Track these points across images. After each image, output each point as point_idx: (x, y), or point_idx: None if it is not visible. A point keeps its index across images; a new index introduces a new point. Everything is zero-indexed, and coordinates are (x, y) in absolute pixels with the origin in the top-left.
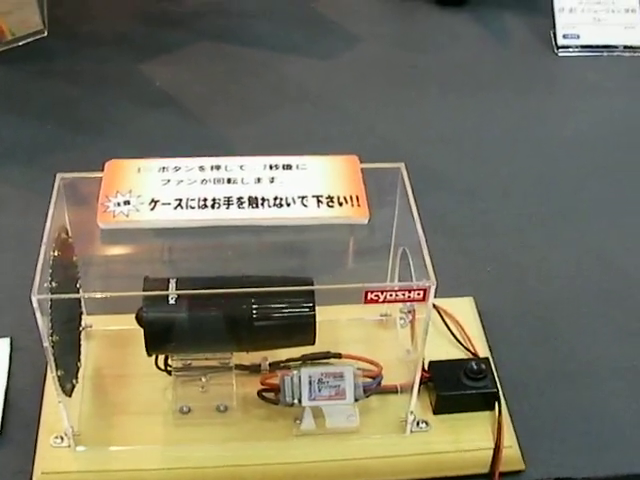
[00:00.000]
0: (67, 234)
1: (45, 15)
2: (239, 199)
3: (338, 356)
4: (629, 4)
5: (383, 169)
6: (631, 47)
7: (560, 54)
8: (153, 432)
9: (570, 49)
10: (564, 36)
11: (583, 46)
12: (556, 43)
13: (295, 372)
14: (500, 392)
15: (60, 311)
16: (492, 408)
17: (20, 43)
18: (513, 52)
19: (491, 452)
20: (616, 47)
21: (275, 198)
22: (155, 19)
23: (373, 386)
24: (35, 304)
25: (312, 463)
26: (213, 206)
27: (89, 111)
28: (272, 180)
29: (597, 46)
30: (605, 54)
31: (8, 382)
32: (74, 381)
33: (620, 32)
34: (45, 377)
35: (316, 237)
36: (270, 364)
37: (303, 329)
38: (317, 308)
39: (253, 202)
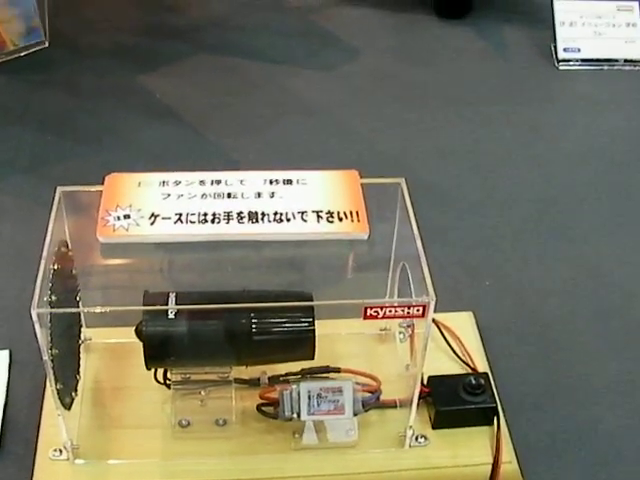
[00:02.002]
0: (67, 247)
1: (46, 26)
2: (239, 214)
3: (337, 370)
4: (629, 18)
5: (383, 184)
6: (631, 61)
7: (561, 67)
8: (152, 445)
9: (571, 62)
10: (565, 50)
11: (584, 60)
12: (557, 57)
13: (294, 386)
14: (499, 407)
15: (59, 324)
16: (491, 423)
17: (22, 54)
18: (514, 65)
19: (490, 467)
20: (616, 61)
21: (275, 213)
22: (156, 31)
23: (372, 401)
24: (35, 318)
25: (311, 477)
26: (213, 221)
27: (89, 122)
28: (272, 195)
29: (597, 60)
30: (605, 68)
31: (7, 395)
32: (73, 394)
33: (620, 46)
34: (44, 390)
35: (316, 252)
36: (269, 378)
37: (302, 344)
38: (316, 322)
39: (253, 217)
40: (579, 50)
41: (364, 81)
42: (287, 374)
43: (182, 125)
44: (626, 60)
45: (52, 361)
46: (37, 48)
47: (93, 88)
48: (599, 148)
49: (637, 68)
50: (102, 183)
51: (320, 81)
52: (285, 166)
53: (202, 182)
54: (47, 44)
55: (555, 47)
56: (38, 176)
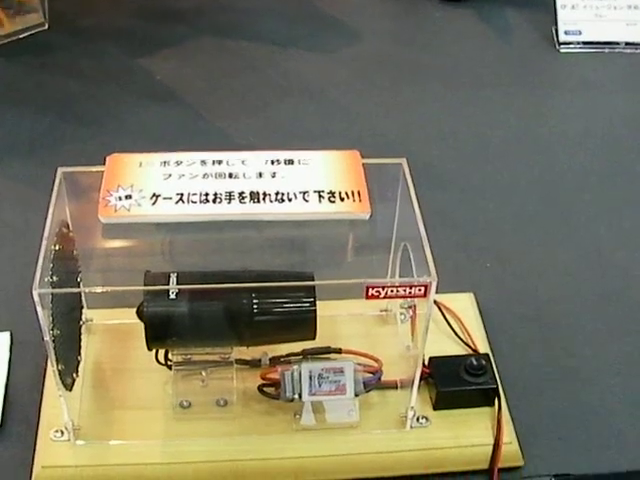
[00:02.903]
0: (68, 228)
1: (46, 8)
2: (240, 194)
3: (338, 351)
4: (631, 1)
5: (385, 164)
6: (633, 44)
7: (562, 50)
8: (153, 426)
9: (572, 45)
10: (566, 32)
11: (585, 42)
12: (558, 39)
13: (295, 367)
14: (500, 388)
15: (61, 305)
16: (492, 404)
17: (21, 36)
18: (515, 48)
19: (490, 448)
20: (618, 44)
21: (276, 193)
22: (156, 14)
23: (373, 381)
24: (36, 298)
25: (312, 458)
26: (214, 201)
27: (89, 105)
28: (274, 175)
29: (599, 42)
30: (607, 50)
31: (8, 376)
32: (74, 375)
33: (622, 29)
34: (45, 371)
35: (317, 232)
36: (270, 359)
37: (304, 324)
38: (318, 303)
39: (254, 197)
40: (580, 33)
41: (366, 64)
42: (288, 355)
43: (183, 107)
44: (627, 43)
45: (53, 342)
46: (36, 30)
47: (93, 71)
48: (600, 131)
49: (638, 51)
50: (103, 164)
51: (321, 64)
52: (286, 147)
53: (203, 162)
54: (47, 26)
55: (556, 30)
56: (38, 160)
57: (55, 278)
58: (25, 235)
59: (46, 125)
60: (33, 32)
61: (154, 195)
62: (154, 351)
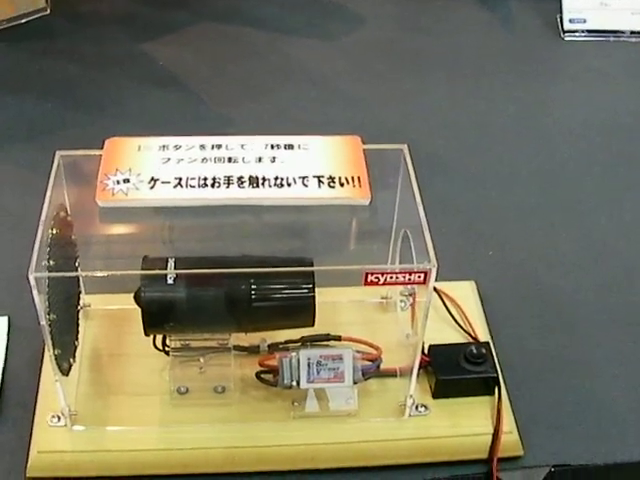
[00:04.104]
0: (66, 212)
1: None
2: (239, 178)
3: (338, 338)
4: None
5: (385, 150)
6: (638, 32)
7: (566, 39)
8: (150, 412)
9: (576, 34)
10: (570, 20)
11: (589, 31)
12: (562, 28)
13: (294, 354)
14: (500, 377)
15: (58, 290)
16: (492, 393)
17: (23, 21)
18: (519, 36)
19: (490, 437)
20: (623, 32)
21: (276, 178)
22: None
23: (372, 369)
24: (32, 282)
25: (310, 445)
26: (213, 185)
27: (90, 90)
28: (273, 160)
29: (603, 31)
30: (611, 39)
31: (6, 361)
32: (71, 360)
33: (627, 17)
34: (42, 356)
35: (317, 218)
36: (269, 345)
37: (302, 310)
38: (317, 290)
39: (254, 181)
40: (585, 21)
41: (367, 50)
42: (287, 341)
43: (184, 93)
44: (632, 32)
45: (50, 326)
46: (38, 15)
47: (95, 56)
48: (604, 120)
49: None
50: (102, 148)
51: (323, 50)
52: (287, 133)
53: (202, 146)
54: (48, 11)
55: (561, 18)
56: (38, 145)
57: (52, 262)
58: (24, 220)
59: (47, 110)
60: (35, 17)
61: (152, 179)
62: (152, 337)
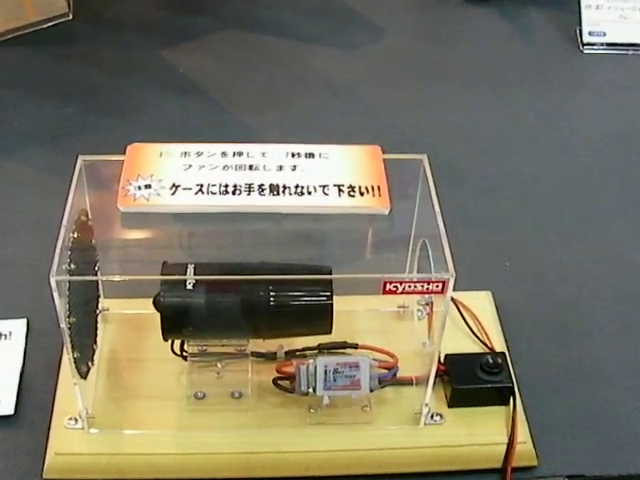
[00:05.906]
0: (87, 217)
1: None
2: (260, 186)
3: (355, 346)
4: None
5: (405, 160)
6: None
7: (585, 51)
8: (167, 417)
9: (595, 46)
10: (590, 33)
11: (609, 44)
12: (582, 40)
13: (311, 361)
14: (515, 387)
15: (78, 293)
16: (507, 403)
17: (45, 26)
18: (538, 48)
19: (504, 447)
20: None
21: (296, 186)
22: (180, 6)
23: (388, 377)
24: (53, 285)
25: (325, 452)
26: (234, 192)
27: (112, 95)
28: (294, 168)
29: (623, 44)
30: (631, 52)
31: (24, 363)
32: (89, 364)
33: None
34: (61, 359)
35: (336, 226)
36: (286, 352)
37: (320, 317)
38: (335, 298)
39: (274, 189)
40: (604, 34)
41: (388, 60)
42: (304, 349)
43: (205, 100)
44: None
45: (69, 329)
46: (61, 20)
47: (116, 62)
48: (622, 133)
49: None
50: (124, 154)
51: (344, 59)
52: (308, 141)
53: (224, 154)
54: (71, 16)
55: (580, 30)
56: (59, 149)
57: (73, 266)
58: (45, 223)
59: (69, 114)
60: (57, 22)
61: (174, 185)
62: (170, 341)
